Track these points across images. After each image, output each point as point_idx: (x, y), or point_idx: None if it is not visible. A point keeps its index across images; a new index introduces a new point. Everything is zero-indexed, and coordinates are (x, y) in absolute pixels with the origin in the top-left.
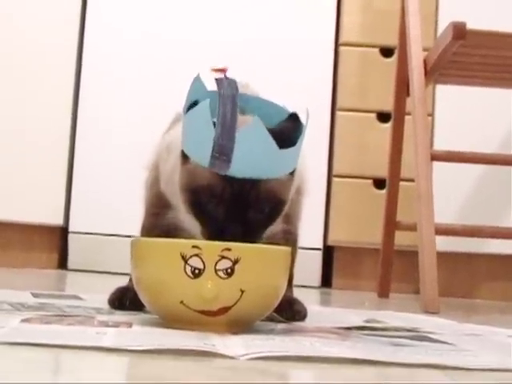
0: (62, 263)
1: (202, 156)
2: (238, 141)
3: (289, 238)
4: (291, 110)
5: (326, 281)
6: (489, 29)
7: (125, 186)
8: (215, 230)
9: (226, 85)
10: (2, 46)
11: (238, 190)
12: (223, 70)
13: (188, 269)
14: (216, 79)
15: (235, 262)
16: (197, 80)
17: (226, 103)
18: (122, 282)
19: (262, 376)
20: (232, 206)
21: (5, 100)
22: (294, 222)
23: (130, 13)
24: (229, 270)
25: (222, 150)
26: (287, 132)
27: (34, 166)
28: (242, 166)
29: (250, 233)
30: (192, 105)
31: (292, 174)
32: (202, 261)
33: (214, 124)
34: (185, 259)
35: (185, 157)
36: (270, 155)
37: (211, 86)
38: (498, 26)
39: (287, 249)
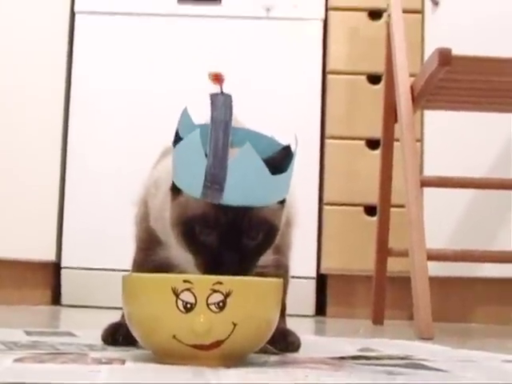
0: (56, 299)
1: (193, 187)
2: (230, 169)
3: (280, 269)
4: (280, 140)
5: (320, 309)
6: (474, 54)
7: (116, 221)
8: (210, 260)
9: (221, 103)
10: None
11: (231, 218)
12: (220, 79)
13: (180, 303)
14: (210, 95)
15: (227, 295)
16: (184, 113)
17: (218, 130)
18: (116, 316)
19: None
20: (226, 234)
21: None
22: (284, 252)
23: (117, 49)
24: (221, 304)
25: (214, 179)
26: (278, 159)
27: (25, 202)
28: (234, 194)
29: (244, 261)
30: (178, 135)
31: (282, 203)
32: (194, 295)
33: (206, 154)
34: (176, 294)
35: (175, 191)
36: (263, 182)
37: (200, 118)
38: (483, 52)
39: (279, 281)
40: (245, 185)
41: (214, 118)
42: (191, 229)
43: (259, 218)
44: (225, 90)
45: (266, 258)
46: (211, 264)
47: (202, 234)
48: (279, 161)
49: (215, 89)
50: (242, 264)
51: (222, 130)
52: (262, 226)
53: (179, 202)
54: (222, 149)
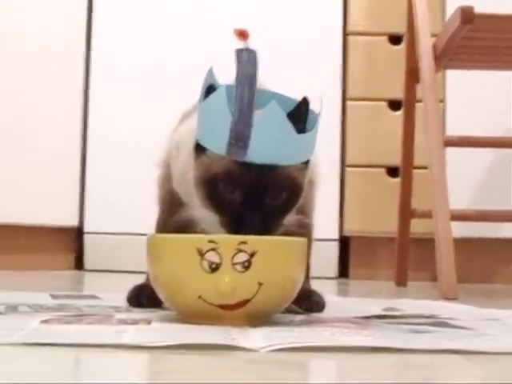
0: (79, 264)
1: (218, 144)
2: (255, 126)
3: (304, 229)
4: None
5: (343, 271)
6: (497, 12)
7: (138, 184)
8: (233, 219)
9: (246, 58)
10: (11, 57)
11: (255, 176)
12: (245, 35)
13: (205, 264)
14: (236, 50)
15: (252, 255)
16: (210, 72)
17: (243, 86)
18: (139, 280)
19: (283, 367)
20: (250, 192)
21: (16, 103)
22: (308, 213)
23: (137, 17)
24: (246, 264)
25: (239, 136)
26: (301, 117)
27: (47, 168)
28: (259, 152)
29: (267, 220)
30: (208, 91)
31: (306, 163)
32: (219, 255)
33: (231, 111)
34: (201, 254)
35: (199, 150)
36: (288, 140)
37: (224, 77)
38: (506, 9)
39: (303, 240)
40: (270, 142)
41: (239, 73)
42: (215, 187)
43: (283, 177)
44: (250, 46)
45: (290, 218)
46: (235, 222)
47: (226, 192)
48: (303, 118)
49: (240, 45)
50: (265, 223)
51: (247, 86)
52: (285, 186)
53: (203, 161)
54: (248, 105)
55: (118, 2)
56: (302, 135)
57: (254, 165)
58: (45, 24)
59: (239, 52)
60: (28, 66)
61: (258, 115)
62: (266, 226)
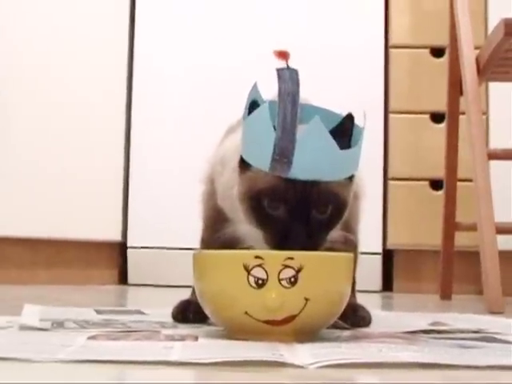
0: (122, 278)
1: (262, 160)
2: (298, 142)
3: (349, 244)
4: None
5: (387, 285)
6: None
7: (181, 199)
8: (279, 234)
9: (288, 77)
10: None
11: (300, 192)
12: (285, 55)
13: (251, 279)
14: (277, 69)
15: (298, 270)
16: (254, 88)
17: (286, 103)
18: (183, 295)
19: (331, 382)
20: (295, 207)
21: (59, 117)
22: (353, 227)
23: (179, 35)
24: (292, 279)
25: (283, 152)
26: (346, 133)
27: (91, 183)
28: (303, 168)
29: (313, 235)
30: (251, 107)
31: (351, 179)
32: (265, 271)
33: (274, 127)
34: (248, 270)
35: (244, 166)
36: (332, 156)
37: (267, 93)
38: None
39: (350, 255)
40: (313, 159)
41: (282, 90)
42: (260, 202)
43: (328, 192)
44: (291, 65)
45: (335, 234)
46: (280, 238)
47: (271, 207)
48: (348, 134)
49: (281, 64)
50: (312, 238)
51: (290, 103)
52: (330, 200)
53: (248, 177)
54: (291, 122)
55: (160, 21)
56: (345, 151)
57: (299, 181)
58: (86, 58)
59: (280, 71)
60: (77, 78)
61: (301, 131)
62: (312, 240)
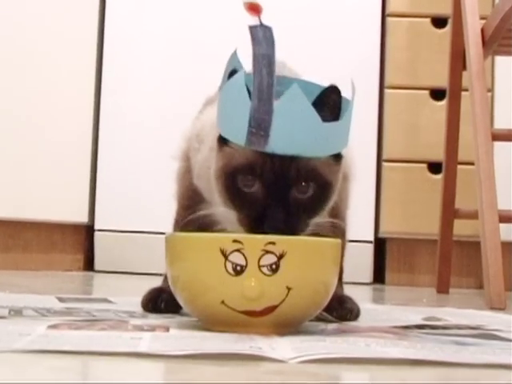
0: (88, 264)
1: (238, 134)
2: (275, 112)
3: (337, 230)
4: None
5: (379, 276)
6: None
7: (153, 178)
8: (254, 216)
9: (261, 36)
10: (20, 45)
11: (277, 168)
12: (258, 9)
13: (229, 265)
14: (249, 27)
15: (280, 256)
16: (234, 55)
17: (261, 67)
18: (155, 283)
19: (313, 380)
20: (271, 185)
21: (25, 96)
22: (341, 212)
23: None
24: (273, 266)
25: (259, 124)
26: (330, 105)
27: (55, 160)
28: (281, 141)
29: (292, 218)
30: (230, 76)
31: (339, 157)
32: (244, 256)
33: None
34: (225, 255)
35: (222, 141)
36: (313, 128)
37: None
38: None
39: (337, 240)
40: (292, 131)
41: (256, 53)
42: (234, 180)
43: (309, 169)
44: (264, 22)
45: (321, 220)
46: (255, 220)
47: (245, 185)
48: (332, 105)
49: (254, 20)
50: (290, 221)
51: (265, 67)
52: (311, 178)
53: (225, 153)
54: (267, 89)
55: None
56: (330, 124)
57: (276, 155)
58: (55, 27)
59: (253, 30)
60: (41, 59)
61: (278, 101)
62: (292, 223)
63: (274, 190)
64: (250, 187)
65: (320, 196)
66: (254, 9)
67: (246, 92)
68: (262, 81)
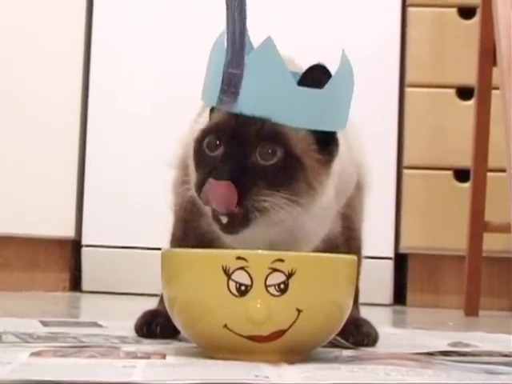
0: (75, 284)
1: (212, 94)
2: (247, 68)
3: (351, 244)
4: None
5: (399, 297)
6: None
7: (147, 188)
8: (205, 174)
9: None
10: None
11: (240, 129)
12: None
13: (232, 285)
14: None
15: (289, 275)
16: (220, 37)
17: (233, 11)
18: (149, 304)
19: None
20: (231, 147)
21: (9, 105)
22: (355, 223)
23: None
24: (282, 286)
25: (231, 80)
26: (314, 79)
27: (38, 169)
28: (250, 101)
29: (248, 181)
30: None
31: (327, 147)
32: (249, 275)
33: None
34: (228, 274)
35: (210, 111)
36: (285, 90)
37: None
38: None
39: (352, 257)
40: (262, 90)
41: (228, 1)
42: (201, 143)
43: (274, 134)
44: None
45: (335, 229)
46: (202, 175)
47: (210, 148)
48: (312, 80)
49: None
50: (245, 182)
51: (237, 11)
52: (278, 144)
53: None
54: (239, 37)
55: None
56: (305, 89)
57: (242, 116)
58: (43, 29)
59: None
60: (26, 67)
61: (249, 54)
62: (246, 185)
63: (230, 150)
64: (214, 150)
65: (286, 167)
66: None
67: (224, 50)
68: (235, 28)
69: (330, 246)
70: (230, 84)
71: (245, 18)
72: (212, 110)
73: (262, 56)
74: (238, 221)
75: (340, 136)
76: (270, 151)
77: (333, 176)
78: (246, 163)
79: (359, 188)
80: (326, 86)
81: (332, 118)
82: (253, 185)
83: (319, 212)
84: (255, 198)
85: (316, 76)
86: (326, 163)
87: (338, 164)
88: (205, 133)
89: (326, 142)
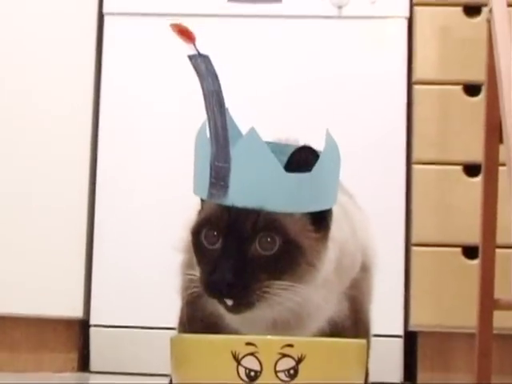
0: (83, 364)
1: (202, 187)
2: (234, 160)
3: (359, 327)
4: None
5: (410, 375)
6: None
7: (155, 269)
8: (206, 270)
9: (204, 69)
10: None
11: (235, 221)
12: (189, 35)
13: (242, 371)
14: (189, 56)
15: (299, 360)
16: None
17: (213, 106)
18: None
19: None
20: (229, 239)
21: (14, 176)
22: (363, 306)
23: (154, 59)
24: (292, 371)
25: (219, 173)
26: (301, 161)
27: (46, 247)
28: (241, 192)
29: (245, 272)
30: None
31: (321, 222)
32: (259, 361)
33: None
34: (237, 359)
35: (202, 201)
36: (274, 178)
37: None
38: None
39: (362, 342)
40: (251, 181)
41: (205, 90)
42: (199, 236)
43: (269, 223)
44: (201, 51)
45: (342, 312)
46: (206, 275)
47: (208, 241)
48: (298, 161)
49: (190, 49)
50: (241, 274)
51: (216, 105)
52: (275, 232)
53: (198, 212)
54: (222, 131)
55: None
56: (294, 175)
57: (236, 208)
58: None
59: (194, 61)
60: (36, 129)
61: (235, 146)
62: (243, 277)
63: (229, 244)
64: (214, 244)
65: (286, 255)
66: (185, 33)
67: (208, 142)
68: (216, 122)
69: (337, 328)
70: (219, 177)
71: (224, 112)
72: (202, 200)
73: (247, 147)
74: (242, 306)
75: (341, 213)
76: (269, 240)
77: (333, 247)
78: (247, 256)
79: (366, 269)
80: (314, 168)
81: (322, 197)
82: (255, 279)
83: (320, 284)
84: (258, 291)
85: (303, 157)
86: (322, 238)
87: (338, 236)
88: (200, 226)
89: (321, 218)
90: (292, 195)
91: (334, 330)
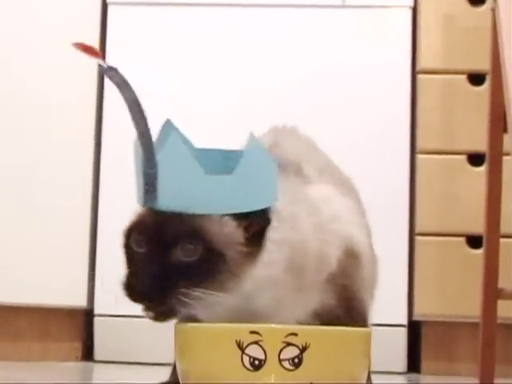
0: (87, 353)
1: (139, 195)
2: (160, 165)
3: (354, 315)
4: None
5: (413, 364)
6: None
7: None
8: (128, 274)
9: (120, 80)
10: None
11: (159, 226)
12: (94, 51)
13: (246, 359)
14: (103, 69)
15: (303, 349)
16: (166, 124)
17: (135, 114)
18: (162, 375)
19: None
20: (151, 244)
21: (20, 175)
22: (356, 293)
23: (157, 49)
24: (296, 360)
25: (149, 180)
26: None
27: (49, 237)
28: (167, 197)
29: (165, 280)
30: None
31: (249, 219)
32: (263, 349)
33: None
34: (242, 348)
35: None
36: (195, 181)
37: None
38: None
39: (367, 330)
40: (175, 185)
41: (126, 99)
42: (128, 240)
43: (192, 229)
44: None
45: (331, 299)
46: (127, 277)
47: (138, 245)
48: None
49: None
50: (161, 281)
51: (138, 113)
52: (195, 240)
53: (133, 216)
54: (146, 138)
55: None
56: (214, 177)
57: (161, 212)
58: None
59: (108, 72)
60: (37, 133)
61: (160, 152)
62: (160, 282)
63: (152, 249)
64: (142, 247)
65: (208, 263)
66: (90, 50)
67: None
68: (142, 130)
69: (328, 318)
70: (149, 183)
71: (146, 120)
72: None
73: (170, 152)
74: (163, 316)
75: (304, 212)
76: (191, 247)
77: (277, 249)
78: (168, 262)
79: (353, 256)
80: (235, 170)
81: (246, 199)
82: (173, 285)
83: (265, 286)
84: (178, 296)
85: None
86: (250, 256)
87: (291, 237)
88: (130, 229)
89: (258, 234)
90: (214, 197)
91: (326, 319)
